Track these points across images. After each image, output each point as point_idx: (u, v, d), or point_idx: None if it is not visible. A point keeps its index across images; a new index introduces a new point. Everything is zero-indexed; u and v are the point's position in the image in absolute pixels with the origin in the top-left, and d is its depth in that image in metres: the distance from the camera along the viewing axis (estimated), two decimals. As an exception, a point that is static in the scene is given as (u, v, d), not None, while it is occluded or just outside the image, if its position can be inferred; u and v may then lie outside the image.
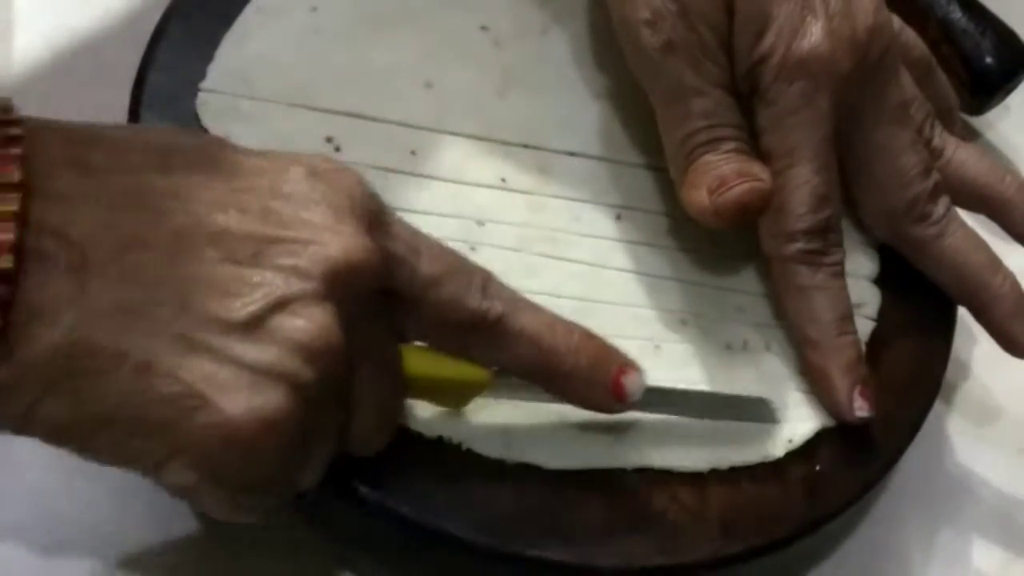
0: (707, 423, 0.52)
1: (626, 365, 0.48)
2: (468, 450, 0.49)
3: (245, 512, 0.43)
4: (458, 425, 0.49)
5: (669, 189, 0.56)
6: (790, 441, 0.52)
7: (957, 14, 0.66)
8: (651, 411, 0.51)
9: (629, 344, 0.52)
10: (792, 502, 0.51)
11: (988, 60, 0.66)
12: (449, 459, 0.48)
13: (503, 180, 0.54)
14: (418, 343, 0.46)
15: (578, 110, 0.56)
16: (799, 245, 0.53)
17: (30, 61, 0.58)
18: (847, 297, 0.54)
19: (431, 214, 0.52)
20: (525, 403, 0.49)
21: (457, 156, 0.54)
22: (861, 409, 0.53)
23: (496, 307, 0.46)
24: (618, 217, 0.55)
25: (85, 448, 0.40)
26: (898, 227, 0.56)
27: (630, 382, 0.48)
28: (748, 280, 0.55)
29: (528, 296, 0.51)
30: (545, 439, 0.50)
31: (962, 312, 0.57)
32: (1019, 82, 0.67)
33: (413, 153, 0.53)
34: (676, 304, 0.54)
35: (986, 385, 0.62)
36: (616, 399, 0.48)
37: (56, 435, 0.40)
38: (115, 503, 0.51)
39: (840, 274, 0.54)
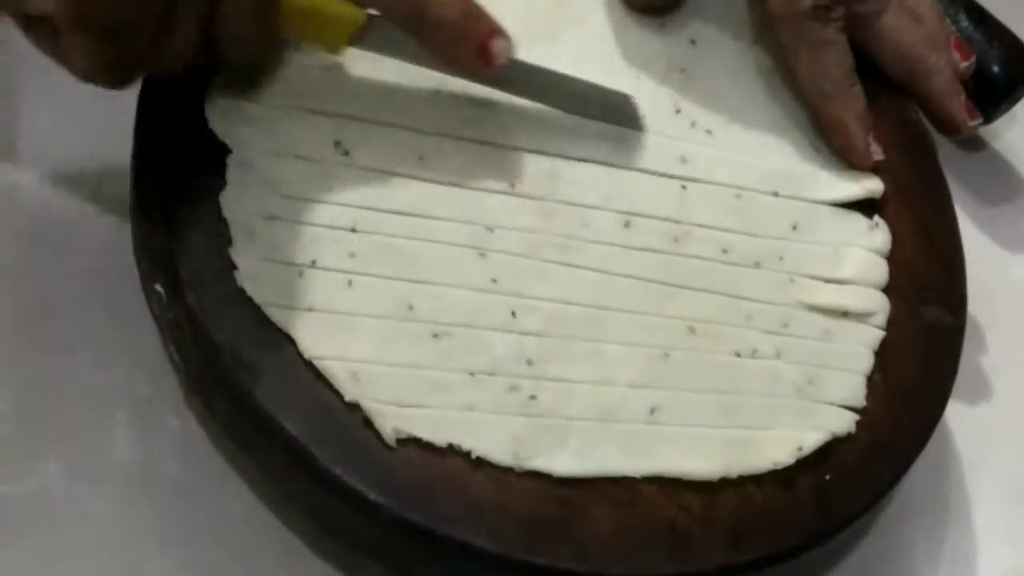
0: (719, 431, 0.52)
1: (497, 31, 0.50)
2: (478, 458, 0.48)
3: (109, 69, 0.45)
4: (468, 433, 0.49)
5: (678, 196, 0.56)
6: (800, 449, 0.52)
7: (964, 23, 0.66)
8: (514, 92, 0.53)
9: (638, 352, 0.52)
10: (802, 511, 0.51)
11: (995, 69, 0.66)
12: (459, 467, 0.48)
13: (512, 185, 0.54)
14: None
15: (587, 116, 0.56)
16: (810, 1, 0.56)
17: (35, 60, 0.57)
18: (851, 52, 0.59)
19: (440, 219, 0.52)
20: (399, 65, 0.52)
21: (466, 161, 0.53)
22: (876, 152, 0.58)
23: None
24: (627, 224, 0.55)
25: None
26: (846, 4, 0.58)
27: (497, 45, 0.50)
28: (757, 287, 0.55)
29: (537, 302, 0.52)
30: (554, 447, 0.49)
31: (971, 321, 0.57)
32: (1026, 91, 0.67)
33: (421, 158, 0.53)
34: (685, 311, 0.54)
35: (993, 395, 0.62)
36: (483, 61, 0.50)
37: None
38: (117, 507, 0.50)
39: (845, 29, 0.58)
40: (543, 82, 0.54)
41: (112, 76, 0.46)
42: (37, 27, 0.46)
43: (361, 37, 0.51)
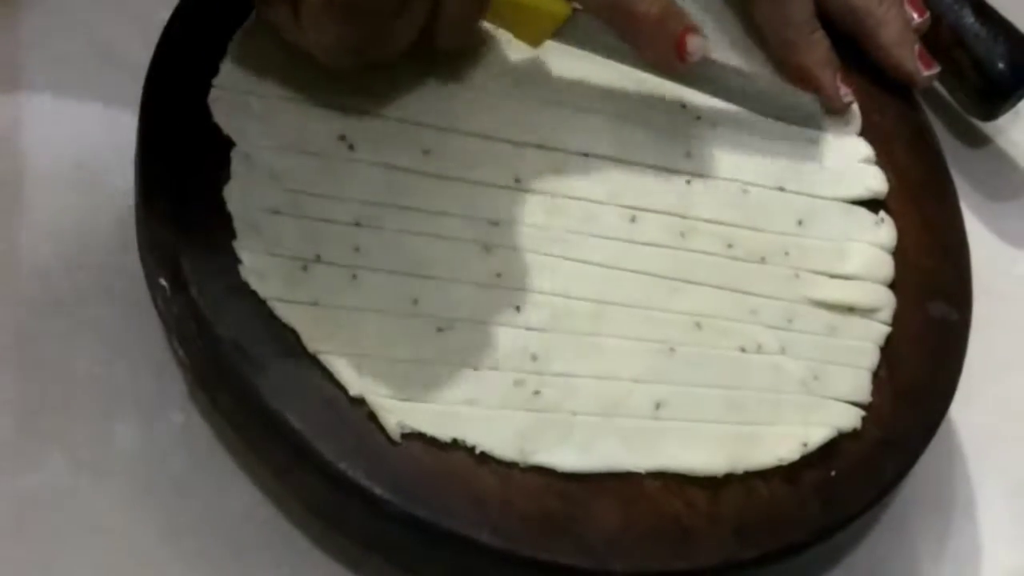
0: (724, 426, 0.51)
1: (693, 28, 0.54)
2: (482, 453, 0.48)
3: (345, 47, 0.48)
4: (473, 427, 0.48)
5: (683, 191, 0.56)
6: (805, 445, 0.52)
7: (970, 19, 0.66)
8: (702, 89, 0.56)
9: (643, 347, 0.52)
10: (807, 507, 0.51)
11: (1000, 65, 0.66)
12: (463, 461, 0.48)
13: (517, 180, 0.54)
14: None
15: (592, 110, 0.56)
16: None
17: (40, 53, 0.57)
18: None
19: (445, 214, 0.52)
20: (599, 58, 0.55)
21: (471, 156, 0.53)
22: (847, 95, 0.59)
23: None
24: (632, 219, 0.54)
25: None
26: None
27: (693, 42, 0.53)
28: (762, 283, 0.55)
29: (542, 297, 0.51)
30: (559, 442, 0.49)
31: (976, 318, 0.57)
32: (1031, 88, 0.67)
33: (427, 152, 0.53)
34: (690, 307, 0.54)
35: (999, 391, 0.61)
36: (678, 56, 0.53)
37: None
38: (120, 501, 0.50)
39: None
40: (730, 79, 0.57)
41: (345, 55, 0.49)
42: (277, 2, 0.48)
43: (562, 30, 0.53)
